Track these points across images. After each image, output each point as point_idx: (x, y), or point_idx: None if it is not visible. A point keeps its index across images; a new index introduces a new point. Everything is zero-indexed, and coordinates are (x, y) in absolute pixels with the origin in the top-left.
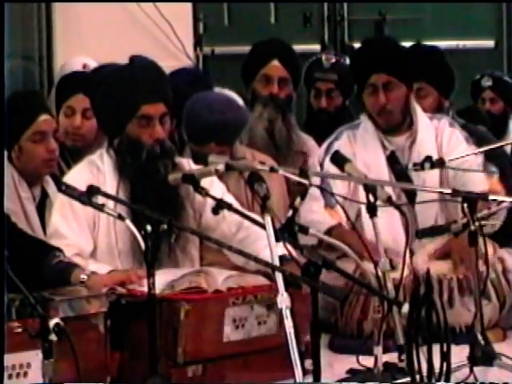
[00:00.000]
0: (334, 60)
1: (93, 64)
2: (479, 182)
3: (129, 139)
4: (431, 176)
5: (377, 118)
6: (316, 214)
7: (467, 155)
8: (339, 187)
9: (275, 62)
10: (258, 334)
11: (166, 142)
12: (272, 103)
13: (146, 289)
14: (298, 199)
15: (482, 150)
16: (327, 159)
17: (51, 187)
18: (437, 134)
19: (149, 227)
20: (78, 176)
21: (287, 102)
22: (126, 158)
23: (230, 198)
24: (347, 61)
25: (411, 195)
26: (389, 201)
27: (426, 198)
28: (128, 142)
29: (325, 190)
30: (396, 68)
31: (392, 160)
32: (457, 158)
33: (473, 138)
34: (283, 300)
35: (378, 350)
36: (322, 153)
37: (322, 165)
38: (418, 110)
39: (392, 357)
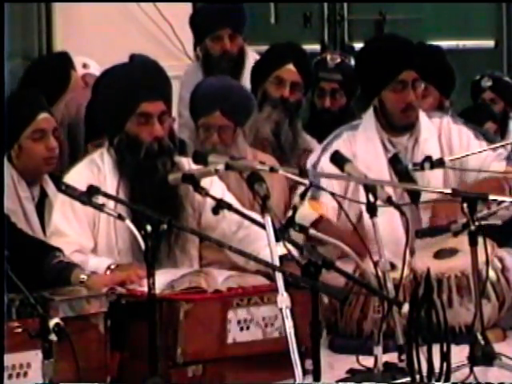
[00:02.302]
0: (338, 60)
1: (93, 64)
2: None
3: (128, 137)
4: (435, 178)
5: (398, 115)
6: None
7: (484, 150)
8: (335, 187)
9: (290, 66)
10: (263, 337)
11: (164, 141)
12: (282, 106)
13: (146, 289)
14: (298, 199)
15: (481, 149)
16: (323, 159)
17: (50, 187)
18: (440, 134)
19: (149, 227)
20: (79, 175)
21: (296, 106)
22: (125, 156)
23: (229, 198)
24: (352, 61)
25: (415, 196)
26: (389, 201)
27: (431, 198)
28: (127, 140)
29: (321, 188)
30: (425, 65)
31: (394, 161)
32: (473, 153)
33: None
34: (283, 300)
35: (378, 349)
36: (318, 153)
37: (315, 166)
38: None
39: (392, 357)
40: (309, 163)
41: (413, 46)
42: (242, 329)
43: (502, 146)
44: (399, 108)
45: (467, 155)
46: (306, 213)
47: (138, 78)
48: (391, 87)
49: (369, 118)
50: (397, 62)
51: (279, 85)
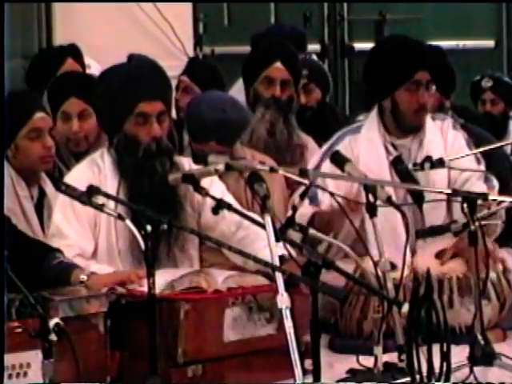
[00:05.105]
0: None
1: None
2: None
3: (126, 137)
4: (440, 180)
5: (411, 115)
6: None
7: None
8: (333, 189)
9: (278, 64)
10: (258, 334)
11: (162, 141)
12: (274, 105)
13: (146, 289)
14: (298, 199)
15: (481, 149)
16: (324, 164)
17: (49, 186)
18: (441, 135)
19: (149, 227)
20: (80, 175)
21: (289, 103)
22: (124, 156)
23: (229, 198)
24: (313, 56)
25: (417, 197)
26: (389, 201)
27: (435, 199)
28: (125, 140)
29: (321, 188)
30: (434, 66)
31: (396, 162)
32: (458, 159)
33: (472, 138)
34: (283, 300)
35: (378, 349)
36: (319, 157)
37: (317, 169)
38: None
39: (392, 357)
40: (310, 167)
41: (426, 47)
42: (237, 327)
43: (502, 146)
44: (413, 108)
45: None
46: (300, 213)
47: (136, 78)
48: (406, 87)
49: (372, 120)
50: (412, 62)
51: (269, 84)
